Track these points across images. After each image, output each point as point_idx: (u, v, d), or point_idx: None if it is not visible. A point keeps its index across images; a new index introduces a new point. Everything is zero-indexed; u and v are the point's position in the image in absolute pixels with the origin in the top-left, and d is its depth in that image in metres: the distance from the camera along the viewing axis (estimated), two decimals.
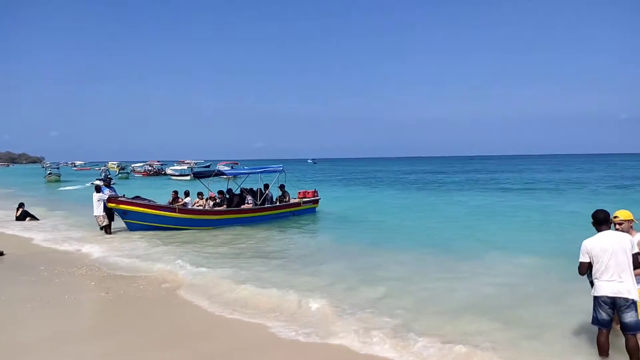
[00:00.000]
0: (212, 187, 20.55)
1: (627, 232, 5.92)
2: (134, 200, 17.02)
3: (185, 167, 69.92)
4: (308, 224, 19.49)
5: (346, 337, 6.73)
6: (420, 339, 6.55)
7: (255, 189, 20.07)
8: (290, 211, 20.82)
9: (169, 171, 72.65)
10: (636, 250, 5.41)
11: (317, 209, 22.71)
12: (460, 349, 6.18)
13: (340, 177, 64.66)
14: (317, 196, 22.87)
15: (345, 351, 6.41)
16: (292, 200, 21.37)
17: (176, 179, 61.29)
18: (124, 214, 16.70)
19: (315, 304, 8.06)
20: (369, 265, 11.51)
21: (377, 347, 6.43)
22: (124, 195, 17.48)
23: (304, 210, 21.54)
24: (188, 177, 57.93)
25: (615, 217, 6.01)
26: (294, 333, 7.02)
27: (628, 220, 5.99)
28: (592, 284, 5.85)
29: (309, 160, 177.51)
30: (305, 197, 22.18)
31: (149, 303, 8.67)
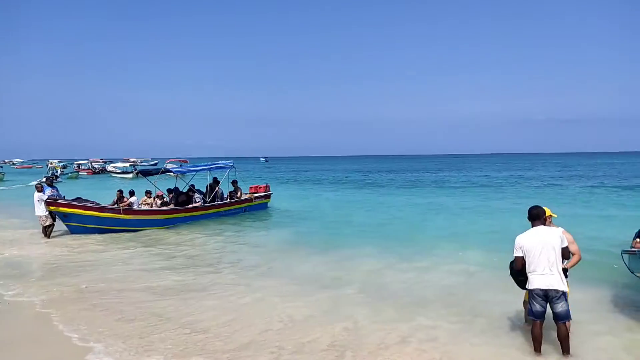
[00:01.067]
0: (161, 186, 19.92)
1: None
2: (74, 202, 16.18)
3: (128, 165, 67.79)
4: (259, 220, 19.27)
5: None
6: (372, 337, 6.64)
7: (205, 186, 19.70)
8: (242, 207, 20.55)
9: (109, 168, 70.10)
10: (566, 244, 5.65)
11: (269, 204, 22.60)
12: (412, 345, 6.35)
13: (292, 175, 64.69)
14: (269, 191, 22.76)
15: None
16: (244, 196, 21.11)
17: (118, 176, 59.66)
18: (64, 217, 15.86)
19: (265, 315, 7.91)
20: (324, 262, 11.54)
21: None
22: (64, 196, 16.60)
23: (255, 206, 21.35)
24: (130, 175, 56.77)
25: None
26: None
27: (547, 217, 6.24)
28: (516, 281, 6.18)
29: (261, 159, 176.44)
30: (257, 192, 22.02)
31: (75, 311, 8.07)
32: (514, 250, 5.90)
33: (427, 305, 8.02)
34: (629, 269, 7.41)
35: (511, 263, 6.31)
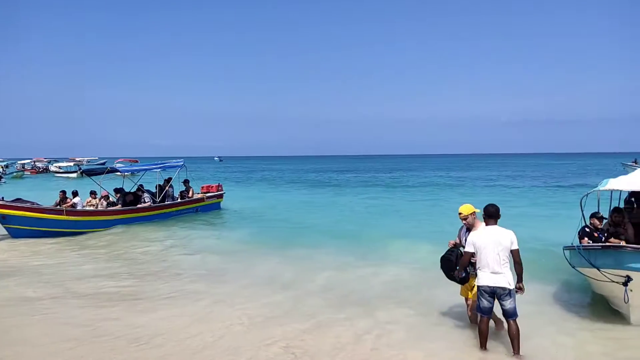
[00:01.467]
0: (110, 186, 19.17)
1: (472, 224, 6.38)
2: (13, 204, 15.35)
3: (72, 164, 66.35)
4: (212, 221, 18.96)
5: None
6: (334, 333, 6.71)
7: (154, 186, 19.15)
8: (193, 207, 20.13)
9: (52, 168, 68.15)
10: (516, 247, 5.75)
11: (221, 204, 22.28)
12: (368, 344, 6.41)
13: (246, 175, 64.11)
14: (222, 190, 22.41)
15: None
16: (196, 196, 20.68)
17: (61, 176, 57.62)
18: (3, 219, 14.99)
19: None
20: (282, 262, 11.46)
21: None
22: (2, 197, 15.76)
23: (207, 206, 20.98)
24: (74, 175, 55.24)
25: (459, 213, 6.45)
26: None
27: (470, 214, 6.43)
28: (447, 275, 6.49)
29: (215, 158, 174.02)
30: (209, 192, 21.65)
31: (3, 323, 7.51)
32: (467, 245, 6.00)
33: (383, 302, 8.17)
34: (570, 264, 7.70)
35: (442, 257, 6.55)
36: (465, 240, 6.44)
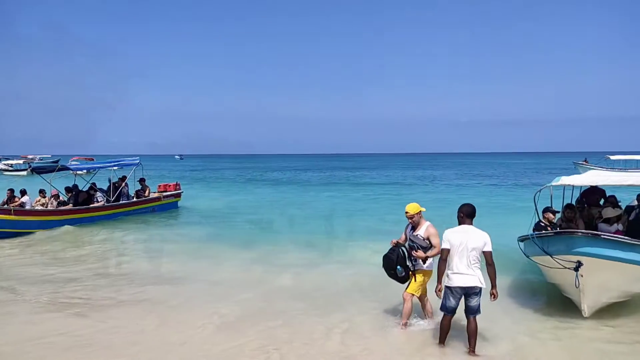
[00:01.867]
0: (61, 184, 18.38)
1: (418, 222, 6.54)
2: None
3: (21, 162, 64.37)
4: (169, 220, 18.52)
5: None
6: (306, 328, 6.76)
7: (109, 184, 18.52)
8: (149, 206, 19.59)
9: (1, 166, 65.82)
10: (489, 249, 5.76)
11: (179, 204, 21.79)
12: (336, 339, 6.45)
13: (207, 174, 63.10)
14: (180, 189, 21.92)
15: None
16: (152, 195, 20.15)
17: (10, 174, 55.54)
18: None
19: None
20: (247, 260, 11.31)
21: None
22: None
23: (164, 205, 20.47)
24: (24, 173, 53.46)
25: (406, 212, 6.57)
26: None
27: (417, 213, 6.55)
28: (387, 273, 6.58)
29: (176, 156, 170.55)
30: (166, 191, 21.10)
31: None
32: (442, 242, 5.94)
33: (349, 298, 8.23)
34: (524, 254, 7.84)
35: (384, 256, 6.61)
36: (410, 238, 6.61)
